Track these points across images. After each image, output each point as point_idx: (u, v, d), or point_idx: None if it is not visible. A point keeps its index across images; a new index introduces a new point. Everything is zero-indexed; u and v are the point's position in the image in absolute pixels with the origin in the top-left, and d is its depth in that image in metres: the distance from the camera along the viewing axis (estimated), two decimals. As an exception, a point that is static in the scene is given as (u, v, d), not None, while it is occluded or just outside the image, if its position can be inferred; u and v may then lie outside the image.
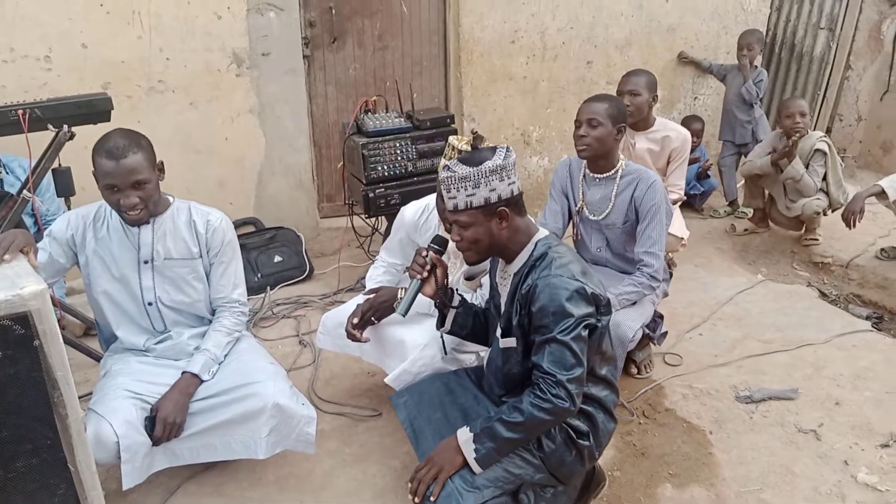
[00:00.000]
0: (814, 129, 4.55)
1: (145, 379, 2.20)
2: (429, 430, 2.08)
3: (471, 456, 1.85)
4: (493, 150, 1.89)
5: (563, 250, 1.93)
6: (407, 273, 2.11)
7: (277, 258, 3.95)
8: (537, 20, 4.63)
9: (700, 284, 3.94)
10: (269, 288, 3.79)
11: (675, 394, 2.92)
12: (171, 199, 2.29)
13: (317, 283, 3.99)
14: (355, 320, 2.45)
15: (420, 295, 2.07)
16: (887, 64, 5.88)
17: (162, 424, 2.08)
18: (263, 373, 2.25)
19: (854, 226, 3.81)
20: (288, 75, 4.00)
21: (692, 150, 4.69)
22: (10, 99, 2.74)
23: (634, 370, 3.01)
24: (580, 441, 1.95)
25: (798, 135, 4.10)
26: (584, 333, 1.82)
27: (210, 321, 2.41)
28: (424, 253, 2.05)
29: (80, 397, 1.77)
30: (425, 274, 2.03)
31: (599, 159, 2.72)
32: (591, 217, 2.82)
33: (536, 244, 1.94)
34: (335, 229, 4.35)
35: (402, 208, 2.73)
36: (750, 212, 4.79)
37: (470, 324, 2.19)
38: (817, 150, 4.19)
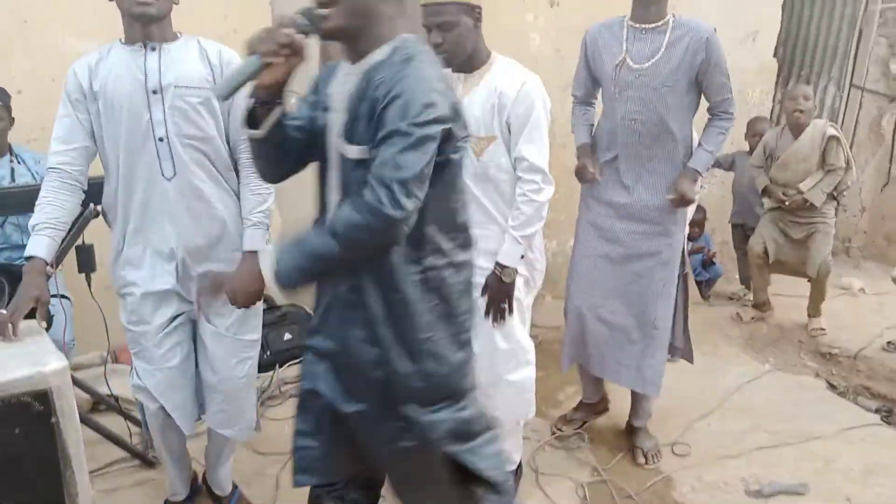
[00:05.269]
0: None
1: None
2: None
3: (269, 270, 1.51)
4: None
5: (430, 55, 1.60)
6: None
7: (287, 336, 3.97)
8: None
9: (707, 373, 3.91)
10: (277, 366, 3.80)
11: (684, 485, 2.88)
12: (179, 33, 2.20)
13: (324, 361, 3.99)
14: None
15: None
16: (888, 157, 6.02)
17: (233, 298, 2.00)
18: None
19: None
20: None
21: (695, 240, 4.78)
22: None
23: (642, 460, 2.98)
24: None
25: (799, 117, 4.13)
26: (435, 143, 1.46)
27: (223, 177, 2.25)
28: (289, 30, 1.48)
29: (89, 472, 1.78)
30: (280, 59, 1.49)
31: (651, 5, 2.54)
32: (634, 66, 2.59)
33: (405, 41, 1.58)
34: (344, 308, 4.37)
35: None
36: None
37: (284, 134, 1.66)
38: (831, 137, 4.16)
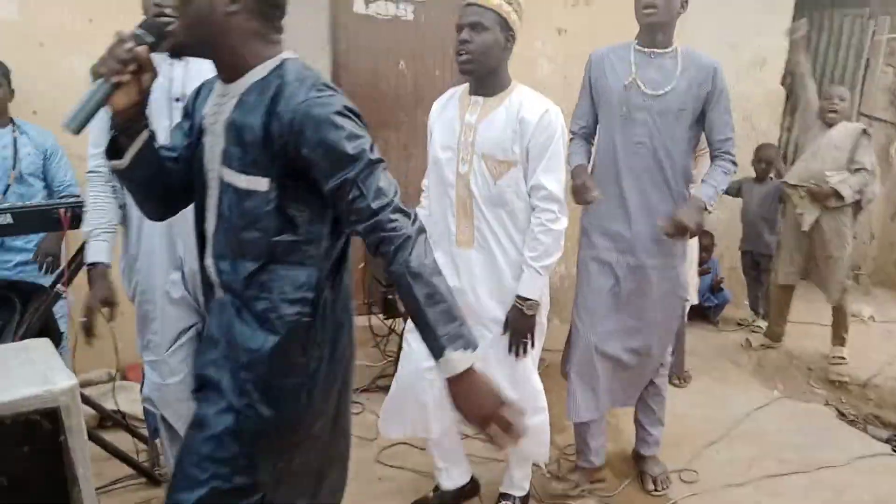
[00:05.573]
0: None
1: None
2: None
3: (469, 359, 1.41)
4: None
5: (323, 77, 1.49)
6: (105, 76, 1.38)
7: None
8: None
9: (716, 399, 3.90)
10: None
11: (691, 513, 2.86)
12: None
13: (331, 383, 3.98)
14: None
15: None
16: (897, 185, 6.02)
17: None
18: None
19: None
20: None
21: (702, 264, 4.76)
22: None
23: (651, 486, 2.95)
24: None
25: (834, 117, 4.14)
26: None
27: None
28: (129, 44, 1.37)
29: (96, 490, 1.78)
30: (126, 76, 1.37)
31: (658, 33, 2.53)
32: (646, 90, 2.53)
33: (285, 62, 1.48)
34: (352, 329, 4.36)
35: None
36: (764, 325, 4.81)
37: (156, 164, 1.53)
38: (864, 130, 4.16)
